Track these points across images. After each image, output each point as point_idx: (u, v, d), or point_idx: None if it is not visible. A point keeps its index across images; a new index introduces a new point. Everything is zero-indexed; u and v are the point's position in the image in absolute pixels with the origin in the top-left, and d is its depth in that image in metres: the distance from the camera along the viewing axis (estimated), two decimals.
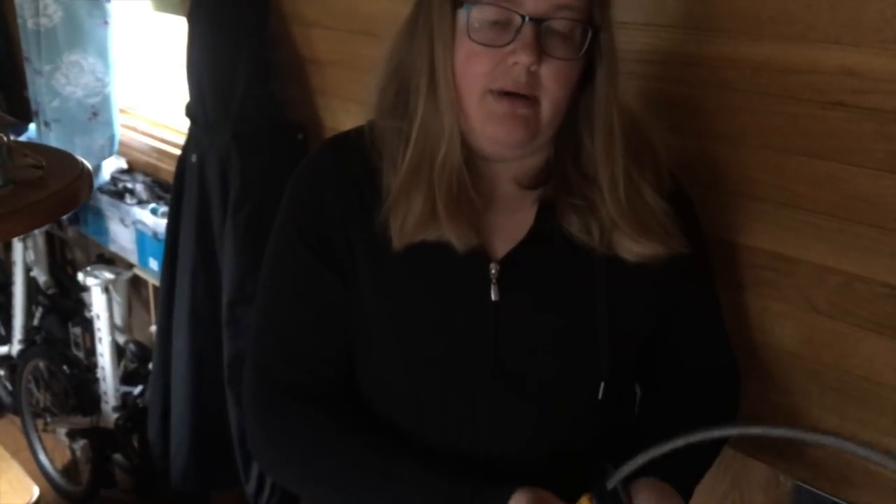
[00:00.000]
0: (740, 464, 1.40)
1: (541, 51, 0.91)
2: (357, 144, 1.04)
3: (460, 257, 0.98)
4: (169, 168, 2.54)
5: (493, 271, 1.00)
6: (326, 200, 1.03)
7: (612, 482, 0.87)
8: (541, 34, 0.91)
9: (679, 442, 0.80)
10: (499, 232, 1.02)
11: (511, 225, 1.03)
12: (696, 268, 1.06)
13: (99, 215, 2.84)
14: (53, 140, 2.69)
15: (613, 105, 0.97)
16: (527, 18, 0.90)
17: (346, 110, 1.96)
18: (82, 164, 1.22)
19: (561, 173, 1.02)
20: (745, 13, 1.14)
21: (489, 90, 0.94)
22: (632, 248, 1.00)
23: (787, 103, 1.13)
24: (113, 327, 2.74)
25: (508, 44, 0.91)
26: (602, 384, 1.02)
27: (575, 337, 1.02)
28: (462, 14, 0.92)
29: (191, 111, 2.12)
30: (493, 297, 1.00)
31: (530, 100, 0.94)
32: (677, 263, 1.02)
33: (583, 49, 0.94)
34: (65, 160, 1.23)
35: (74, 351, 2.87)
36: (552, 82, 0.93)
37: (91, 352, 2.81)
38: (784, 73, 1.12)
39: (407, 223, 0.97)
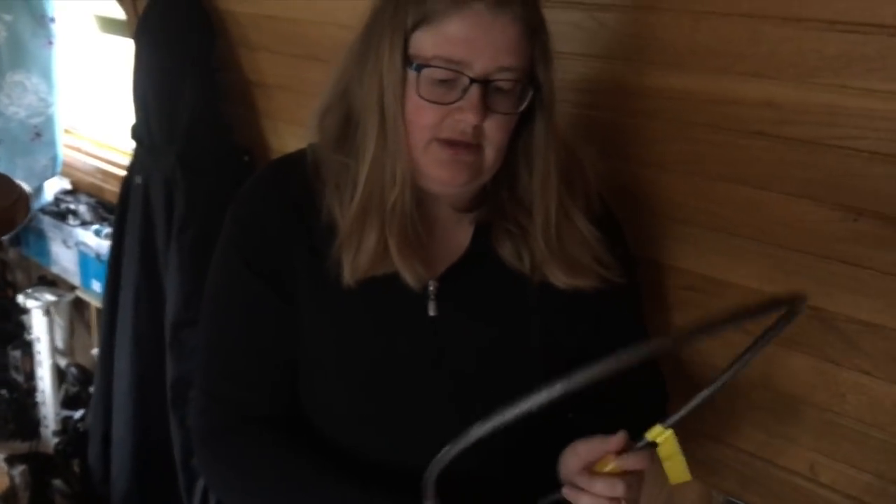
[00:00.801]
0: None
1: (486, 108, 0.96)
2: (299, 168, 1.06)
3: (400, 278, 1.01)
4: (113, 189, 2.52)
5: (431, 288, 1.04)
6: (269, 225, 1.05)
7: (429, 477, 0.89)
8: (486, 93, 0.96)
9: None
10: (438, 251, 1.06)
11: (449, 245, 1.07)
12: (625, 288, 1.10)
13: (41, 236, 2.80)
14: None
15: (552, 146, 1.03)
16: (474, 80, 0.95)
17: (292, 133, 1.98)
18: (20, 187, 1.22)
19: (496, 199, 1.07)
20: (673, 47, 1.19)
21: (435, 138, 0.98)
22: (561, 279, 1.05)
23: (712, 132, 1.18)
24: (54, 350, 2.70)
25: (456, 101, 0.96)
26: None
27: (508, 350, 1.06)
28: (411, 72, 0.96)
29: (136, 133, 2.12)
30: (430, 312, 1.04)
31: (474, 147, 0.98)
32: (608, 284, 1.06)
33: (523, 104, 0.99)
34: (2, 184, 1.23)
35: (14, 375, 2.82)
36: (495, 133, 0.98)
37: (31, 375, 2.76)
38: (709, 103, 1.17)
39: (359, 260, 1.00)
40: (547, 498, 1.00)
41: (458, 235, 1.08)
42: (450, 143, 0.97)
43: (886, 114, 1.01)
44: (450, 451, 0.83)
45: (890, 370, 1.10)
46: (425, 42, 0.95)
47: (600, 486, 0.93)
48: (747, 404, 1.28)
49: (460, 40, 0.94)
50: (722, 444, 1.33)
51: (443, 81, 0.95)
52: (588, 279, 1.05)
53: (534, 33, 0.98)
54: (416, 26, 0.95)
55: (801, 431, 1.23)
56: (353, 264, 1.00)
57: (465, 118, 0.95)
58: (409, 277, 1.00)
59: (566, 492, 0.96)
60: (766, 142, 1.13)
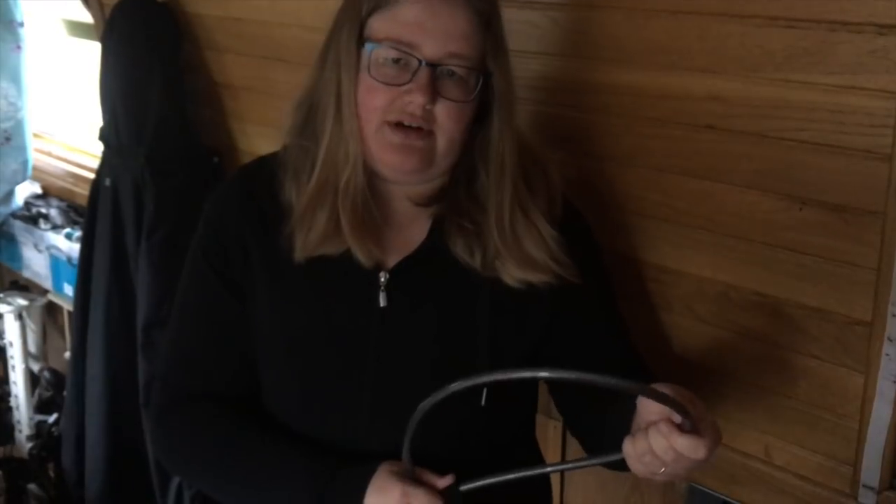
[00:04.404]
0: None
1: (435, 92, 0.99)
2: (268, 169, 1.10)
3: (352, 266, 1.04)
4: (84, 192, 2.52)
5: (382, 279, 1.07)
6: (229, 221, 1.11)
7: (467, 487, 0.95)
8: (436, 77, 0.99)
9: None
10: (393, 244, 1.09)
11: (405, 238, 1.10)
12: (587, 285, 1.10)
13: (12, 241, 2.79)
14: None
15: (507, 143, 1.05)
16: (423, 62, 0.98)
17: (260, 134, 1.99)
18: None
19: (454, 196, 1.09)
20: (624, 44, 1.22)
21: (385, 122, 1.01)
22: (514, 274, 1.06)
23: (664, 127, 1.22)
24: (27, 355, 2.70)
25: (406, 83, 0.99)
26: (484, 390, 1.07)
27: (455, 344, 1.08)
28: (365, 52, 1.00)
29: (104, 135, 2.12)
30: (380, 303, 1.07)
31: (425, 132, 1.01)
32: (563, 283, 1.07)
33: (474, 93, 1.02)
34: None
35: None
36: (446, 119, 1.01)
37: (4, 380, 2.76)
38: (660, 99, 1.21)
39: (310, 238, 1.04)
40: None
41: (415, 230, 1.10)
42: (400, 127, 1.00)
43: (827, 106, 1.05)
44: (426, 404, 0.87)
45: (837, 353, 1.14)
46: (379, 25, 1.00)
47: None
48: (704, 391, 1.31)
49: (411, 23, 0.98)
50: None
51: (395, 62, 0.99)
52: (541, 274, 1.06)
53: (487, 25, 1.01)
54: (370, 13, 1.00)
55: (755, 416, 1.26)
56: (305, 241, 1.04)
57: (413, 99, 0.98)
58: (359, 254, 1.03)
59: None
60: (714, 135, 1.16)
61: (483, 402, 1.07)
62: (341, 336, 1.08)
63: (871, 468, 1.13)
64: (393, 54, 0.99)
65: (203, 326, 1.13)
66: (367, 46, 0.99)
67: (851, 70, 1.01)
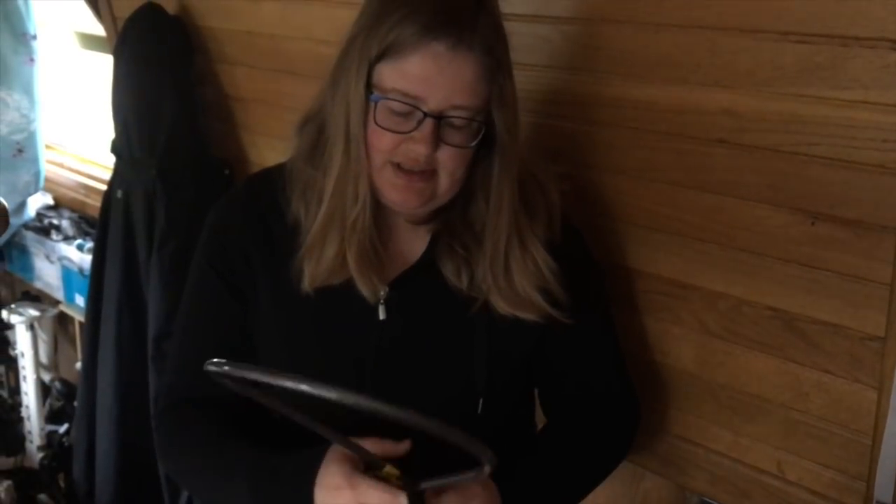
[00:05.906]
0: (650, 482, 1.47)
1: (438, 140, 1.00)
2: (273, 180, 1.12)
3: (354, 284, 1.06)
4: (96, 204, 2.54)
5: (382, 293, 1.08)
6: (233, 230, 1.13)
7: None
8: (439, 127, 1.00)
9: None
10: (393, 258, 1.11)
11: (404, 252, 1.12)
12: (581, 302, 1.12)
13: (24, 252, 2.81)
14: None
15: (506, 186, 1.05)
16: (427, 114, 0.98)
17: (271, 147, 2.00)
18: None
19: (447, 217, 1.10)
20: (635, 58, 1.22)
21: (390, 161, 1.02)
22: (504, 309, 1.08)
23: (675, 140, 1.21)
24: (38, 365, 2.71)
25: (410, 131, 1.00)
26: (480, 400, 1.09)
27: (453, 355, 1.11)
28: (371, 101, 1.00)
29: (116, 147, 2.14)
30: (380, 316, 1.09)
31: (428, 174, 1.02)
32: (558, 303, 1.09)
33: (476, 139, 1.03)
34: None
35: None
36: (449, 161, 1.02)
37: (15, 390, 2.77)
38: (672, 112, 1.20)
39: (319, 271, 1.06)
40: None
41: (414, 244, 1.12)
42: (404, 171, 1.02)
43: (839, 121, 1.05)
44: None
45: (850, 369, 1.14)
46: (386, 74, 0.99)
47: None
48: (715, 405, 1.31)
49: (417, 77, 0.98)
50: (691, 444, 1.36)
51: (399, 112, 0.99)
52: (531, 313, 1.08)
53: (493, 75, 1.01)
54: (379, 58, 0.99)
55: (767, 430, 1.26)
56: (313, 273, 1.06)
57: (417, 148, 1.00)
58: (364, 289, 1.06)
59: None
60: (726, 149, 1.16)
61: (479, 410, 1.09)
62: (341, 348, 1.10)
63: (885, 484, 1.12)
64: (398, 108, 0.99)
65: (205, 331, 1.15)
66: (374, 96, 1.00)
67: (864, 85, 1.01)
